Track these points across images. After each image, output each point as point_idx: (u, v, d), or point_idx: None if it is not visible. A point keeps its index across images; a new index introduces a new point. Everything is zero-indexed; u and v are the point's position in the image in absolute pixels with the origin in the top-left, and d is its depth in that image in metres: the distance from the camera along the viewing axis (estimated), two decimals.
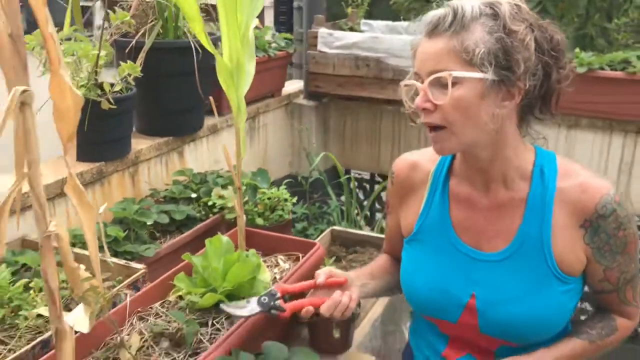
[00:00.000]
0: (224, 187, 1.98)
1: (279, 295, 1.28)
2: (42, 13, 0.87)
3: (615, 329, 1.23)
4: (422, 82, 1.07)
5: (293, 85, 3.28)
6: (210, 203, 1.91)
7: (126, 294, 1.42)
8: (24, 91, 0.88)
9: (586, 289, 1.23)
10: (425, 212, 1.24)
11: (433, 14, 1.07)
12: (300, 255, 1.69)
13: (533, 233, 1.14)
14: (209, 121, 2.52)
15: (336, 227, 2.25)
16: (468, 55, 1.03)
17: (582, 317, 1.31)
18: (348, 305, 1.24)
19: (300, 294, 1.33)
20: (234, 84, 1.43)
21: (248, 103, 2.86)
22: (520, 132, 1.15)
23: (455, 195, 1.22)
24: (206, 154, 2.52)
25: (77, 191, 1.04)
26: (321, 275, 1.27)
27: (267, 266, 1.67)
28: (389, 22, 3.33)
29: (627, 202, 2.69)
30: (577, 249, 1.14)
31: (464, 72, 1.04)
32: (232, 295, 1.45)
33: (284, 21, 6.42)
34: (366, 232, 2.31)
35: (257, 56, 2.75)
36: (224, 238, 1.57)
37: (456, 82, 1.04)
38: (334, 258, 1.92)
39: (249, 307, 1.28)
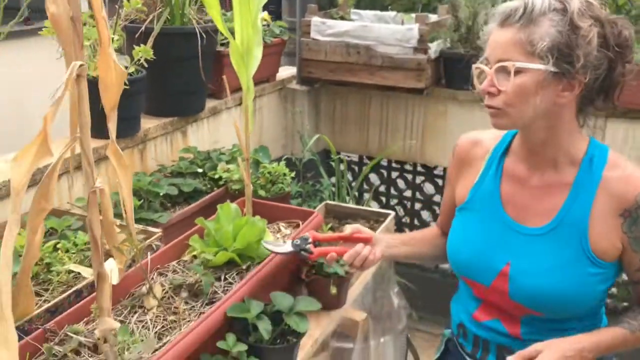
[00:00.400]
0: (228, 162, 2.15)
1: (310, 240, 1.47)
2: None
3: None
4: (490, 68, 1.19)
5: (286, 71, 3.44)
6: (216, 176, 2.08)
7: (147, 253, 1.59)
8: (81, 65, 1.04)
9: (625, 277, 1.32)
10: (479, 184, 1.38)
11: (506, 6, 1.18)
12: (300, 222, 1.87)
13: (573, 215, 1.25)
14: (209, 103, 2.68)
15: (330, 202, 2.44)
16: (532, 47, 1.14)
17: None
18: (367, 257, 1.42)
19: (329, 244, 1.50)
20: (244, 66, 1.60)
21: None
22: (578, 122, 1.25)
23: (508, 172, 1.34)
24: (207, 134, 2.69)
25: (117, 155, 1.21)
26: (348, 228, 1.45)
27: (270, 232, 1.85)
28: (378, 12, 3.50)
29: None
30: (614, 236, 1.23)
31: (527, 63, 1.15)
32: (242, 254, 1.63)
33: (273, 10, 6.56)
34: (356, 205, 2.49)
35: None
36: (233, 205, 1.75)
37: (519, 71, 1.16)
38: (329, 226, 2.10)
39: (284, 247, 1.48)
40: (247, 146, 1.68)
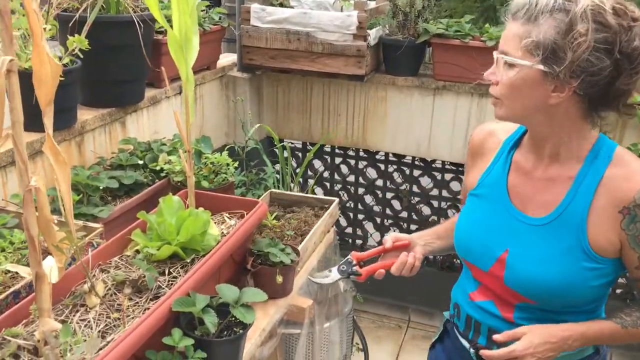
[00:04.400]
0: (169, 153, 2.12)
1: (354, 262, 1.52)
2: None
3: None
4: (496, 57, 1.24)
5: (227, 58, 3.40)
6: (158, 168, 2.05)
7: (87, 250, 1.56)
8: (11, 60, 1.01)
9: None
10: (487, 172, 1.42)
11: (518, 0, 1.21)
12: (245, 212, 1.87)
13: (572, 209, 1.27)
14: (148, 93, 2.62)
15: (274, 190, 2.44)
16: (526, 44, 1.17)
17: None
18: (414, 264, 1.48)
19: (372, 259, 1.55)
20: (183, 56, 1.58)
21: None
22: (587, 120, 1.24)
23: (516, 163, 1.38)
24: (147, 125, 2.64)
25: (54, 150, 1.18)
26: (388, 240, 1.50)
27: (215, 223, 1.84)
28: None
29: None
30: (612, 233, 1.24)
31: (517, 59, 1.18)
32: (186, 248, 1.62)
33: None
34: (301, 193, 2.51)
35: None
36: (175, 197, 1.73)
37: (512, 64, 1.20)
38: (275, 214, 2.11)
39: (332, 275, 1.52)
40: (188, 137, 1.66)
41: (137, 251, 1.63)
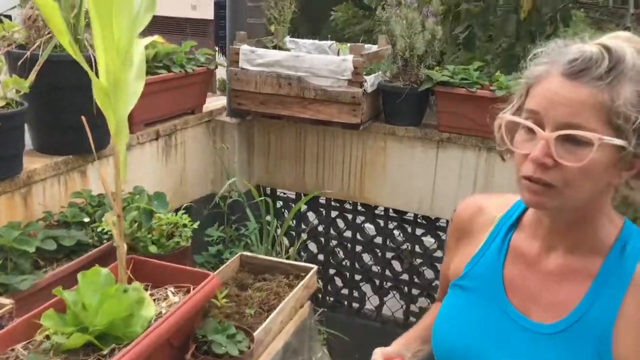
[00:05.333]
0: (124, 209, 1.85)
1: None
2: None
3: None
4: (544, 129, 0.90)
5: (217, 102, 3.18)
6: (99, 229, 1.78)
7: None
8: None
9: None
10: (478, 257, 1.12)
11: (581, 51, 0.90)
12: (192, 287, 1.58)
13: (594, 315, 0.97)
14: None
15: (245, 253, 2.16)
16: (618, 117, 0.87)
17: None
18: None
19: None
20: (110, 105, 1.33)
21: (164, 120, 2.74)
22: (611, 200, 1.01)
23: (516, 249, 1.07)
24: (113, 174, 2.38)
25: None
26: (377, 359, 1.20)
27: (155, 299, 1.56)
28: (316, 41, 3.27)
29: None
30: None
31: (611, 138, 0.88)
32: (105, 335, 1.33)
33: (223, 36, 6.33)
34: (276, 258, 2.22)
35: (173, 72, 2.65)
36: (104, 270, 1.45)
37: (588, 142, 0.88)
38: (226, 291, 1.81)
39: None
40: (118, 200, 1.40)
41: (48, 336, 1.35)
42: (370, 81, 2.74)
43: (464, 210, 1.18)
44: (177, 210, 2.42)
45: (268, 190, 3.32)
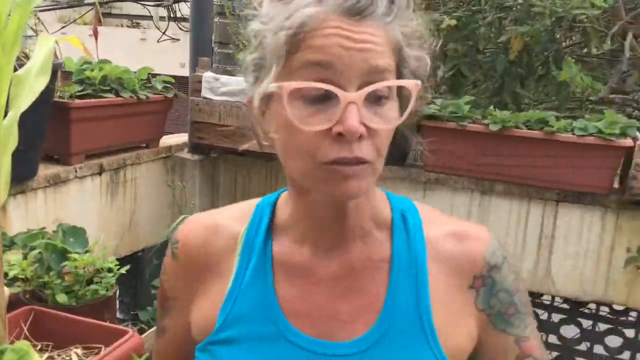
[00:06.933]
0: (25, 248, 1.48)
1: None
2: None
3: None
4: (344, 89, 0.67)
5: (179, 138, 2.85)
6: None
7: None
8: None
9: None
10: (233, 295, 0.79)
11: None
12: (103, 347, 1.20)
13: (406, 306, 0.78)
14: (48, 170, 2.03)
15: None
16: (406, 58, 0.73)
17: None
18: None
19: None
20: None
21: (110, 153, 2.39)
22: None
23: (284, 263, 0.80)
24: (42, 210, 2.02)
25: None
26: None
27: None
28: None
29: (547, 280, 2.34)
30: (466, 321, 0.80)
31: (417, 81, 0.71)
32: None
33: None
34: None
35: (122, 97, 2.32)
36: None
37: (391, 94, 0.71)
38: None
39: None
40: None
41: None
42: None
43: (192, 237, 0.84)
44: (123, 258, 2.07)
45: None
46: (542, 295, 2.47)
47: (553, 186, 2.29)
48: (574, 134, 2.21)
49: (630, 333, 2.44)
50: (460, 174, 2.45)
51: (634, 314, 2.42)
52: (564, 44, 3.76)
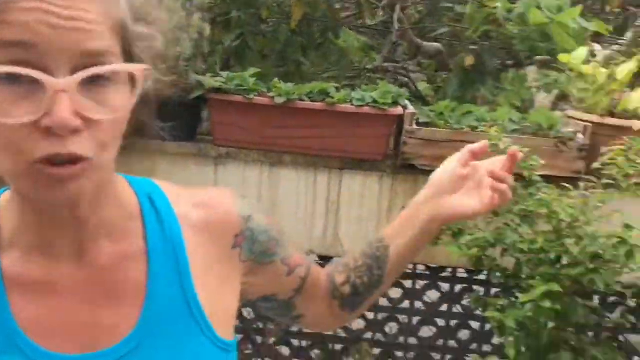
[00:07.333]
0: None
1: None
2: None
3: None
4: (51, 74, 0.56)
5: None
6: None
7: None
8: None
9: None
10: None
11: None
12: None
13: (171, 295, 0.73)
14: None
15: None
16: (132, 35, 0.64)
17: None
18: None
19: None
20: None
21: None
22: None
23: (16, 279, 0.68)
24: None
25: None
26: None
27: None
28: None
29: (336, 244, 2.48)
30: (232, 284, 0.79)
31: (147, 65, 0.64)
32: None
33: None
34: None
35: None
36: None
37: (117, 76, 0.61)
38: None
39: None
40: None
41: None
42: None
43: None
44: None
45: None
46: (332, 258, 2.62)
47: (337, 155, 2.41)
48: (352, 105, 2.34)
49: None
50: (250, 148, 2.47)
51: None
52: (342, 15, 3.96)
